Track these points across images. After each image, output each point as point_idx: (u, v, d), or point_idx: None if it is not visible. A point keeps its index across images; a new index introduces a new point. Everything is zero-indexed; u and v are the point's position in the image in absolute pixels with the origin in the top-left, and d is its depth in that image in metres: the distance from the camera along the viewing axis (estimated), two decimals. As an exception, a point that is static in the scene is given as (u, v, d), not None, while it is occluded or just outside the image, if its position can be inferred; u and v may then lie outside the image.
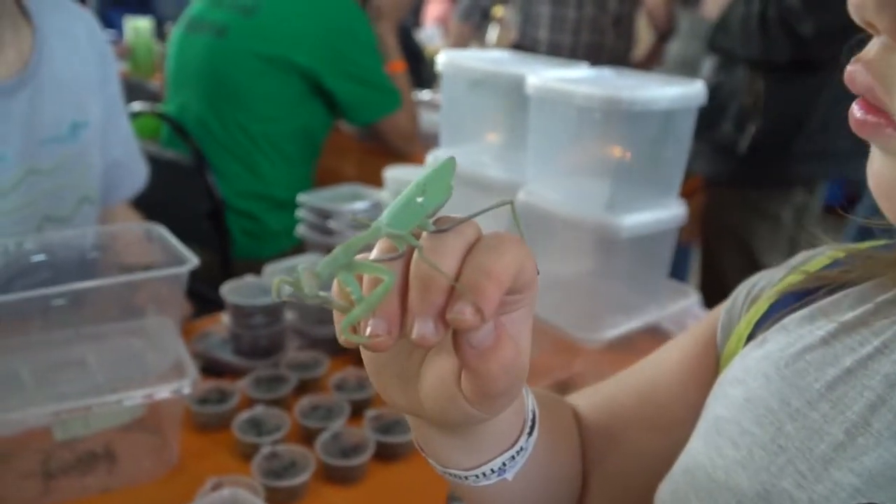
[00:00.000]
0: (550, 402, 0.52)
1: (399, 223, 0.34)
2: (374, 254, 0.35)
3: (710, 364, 0.52)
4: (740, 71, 1.75)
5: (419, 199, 0.34)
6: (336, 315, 0.35)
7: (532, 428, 0.42)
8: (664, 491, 0.47)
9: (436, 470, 0.42)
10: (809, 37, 1.58)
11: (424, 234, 0.34)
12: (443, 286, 0.31)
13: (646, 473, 0.49)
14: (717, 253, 1.95)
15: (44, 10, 1.02)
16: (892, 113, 0.32)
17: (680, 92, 0.91)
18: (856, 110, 0.34)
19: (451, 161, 0.37)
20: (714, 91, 1.81)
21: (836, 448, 0.37)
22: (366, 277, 0.34)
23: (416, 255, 0.33)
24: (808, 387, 0.40)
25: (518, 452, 0.41)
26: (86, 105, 1.06)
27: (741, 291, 0.52)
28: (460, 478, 0.41)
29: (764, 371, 0.43)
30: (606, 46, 2.59)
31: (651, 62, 2.80)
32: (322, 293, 0.32)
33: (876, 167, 0.35)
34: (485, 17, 2.88)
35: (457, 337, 0.33)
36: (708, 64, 1.91)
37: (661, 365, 0.56)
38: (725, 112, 1.78)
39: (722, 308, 0.53)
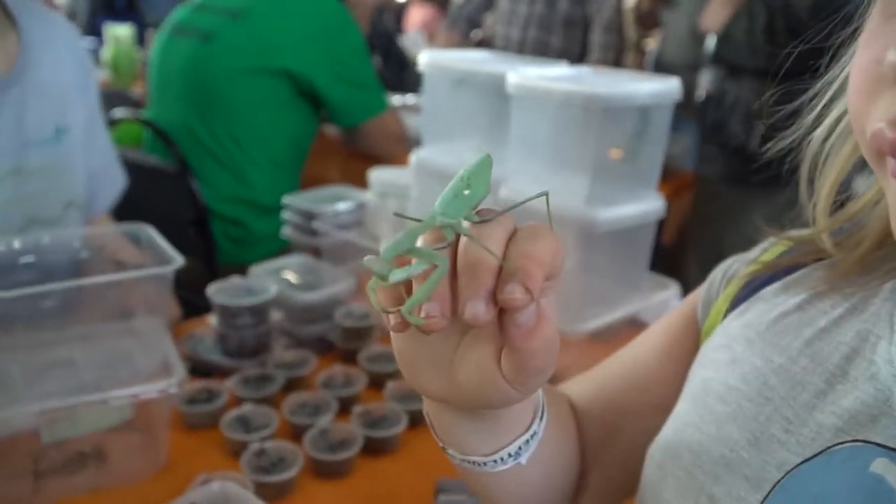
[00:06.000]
0: (549, 391, 0.54)
1: (451, 213, 0.36)
2: (420, 244, 0.37)
3: (691, 340, 0.55)
4: (746, 80, 1.81)
5: (465, 192, 0.37)
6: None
7: (542, 412, 0.45)
8: (655, 451, 0.49)
9: (453, 460, 0.44)
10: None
11: (468, 223, 0.36)
12: (492, 269, 0.34)
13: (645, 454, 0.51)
14: (684, 245, 2.01)
15: (28, 18, 1.04)
16: None
17: (656, 88, 0.93)
18: None
19: (487, 158, 0.39)
20: (718, 100, 1.87)
21: (818, 395, 0.41)
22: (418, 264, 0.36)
23: (464, 241, 0.35)
24: (788, 345, 0.44)
25: (532, 436, 0.44)
26: (68, 111, 1.08)
27: (718, 272, 0.55)
28: (479, 464, 0.43)
29: (746, 336, 0.47)
30: (553, 45, 2.64)
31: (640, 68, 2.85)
32: (397, 270, 0.34)
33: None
34: (471, 25, 2.92)
35: (503, 318, 0.35)
36: (707, 75, 1.96)
37: (644, 347, 0.59)
38: (732, 118, 1.83)
39: (701, 289, 0.56)
